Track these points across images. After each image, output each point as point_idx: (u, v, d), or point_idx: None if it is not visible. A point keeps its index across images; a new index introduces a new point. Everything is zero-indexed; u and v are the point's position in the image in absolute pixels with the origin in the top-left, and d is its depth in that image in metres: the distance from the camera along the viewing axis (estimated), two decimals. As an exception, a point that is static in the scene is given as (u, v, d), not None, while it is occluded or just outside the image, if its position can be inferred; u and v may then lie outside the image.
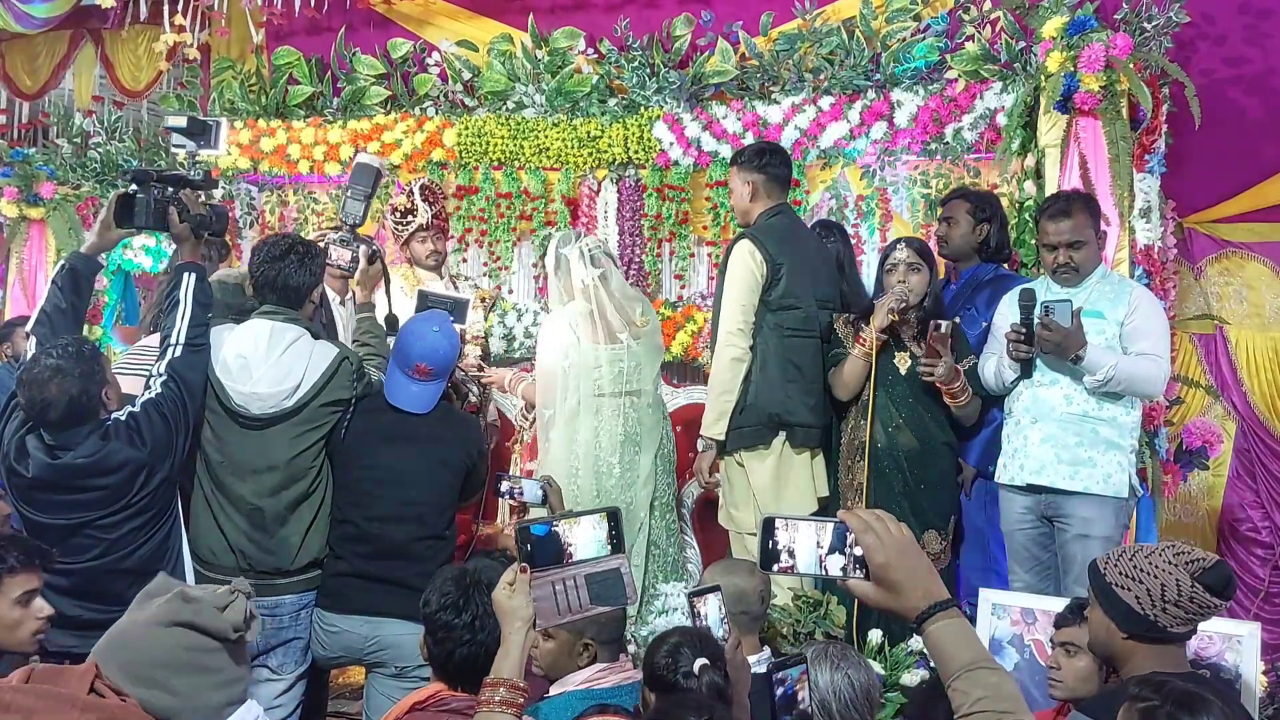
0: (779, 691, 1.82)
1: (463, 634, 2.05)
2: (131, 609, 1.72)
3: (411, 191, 4.42)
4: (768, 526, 1.44)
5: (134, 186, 2.94)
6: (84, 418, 2.62)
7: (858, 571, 1.39)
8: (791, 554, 1.42)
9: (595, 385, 3.73)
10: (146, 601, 1.73)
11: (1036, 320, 3.28)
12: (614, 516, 1.69)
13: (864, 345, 3.47)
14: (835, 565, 1.40)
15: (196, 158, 3.11)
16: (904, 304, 3.44)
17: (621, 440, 3.71)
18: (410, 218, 4.36)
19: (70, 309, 2.92)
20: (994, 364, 3.49)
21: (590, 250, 3.80)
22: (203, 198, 3.07)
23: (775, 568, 1.43)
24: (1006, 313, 3.52)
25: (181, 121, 3.15)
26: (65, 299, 2.91)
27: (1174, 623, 2.10)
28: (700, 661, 2.04)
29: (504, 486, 3.17)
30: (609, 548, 1.67)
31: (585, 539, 1.66)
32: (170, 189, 2.94)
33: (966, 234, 3.93)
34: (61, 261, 3.03)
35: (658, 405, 3.91)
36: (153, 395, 2.78)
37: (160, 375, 2.82)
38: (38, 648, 2.32)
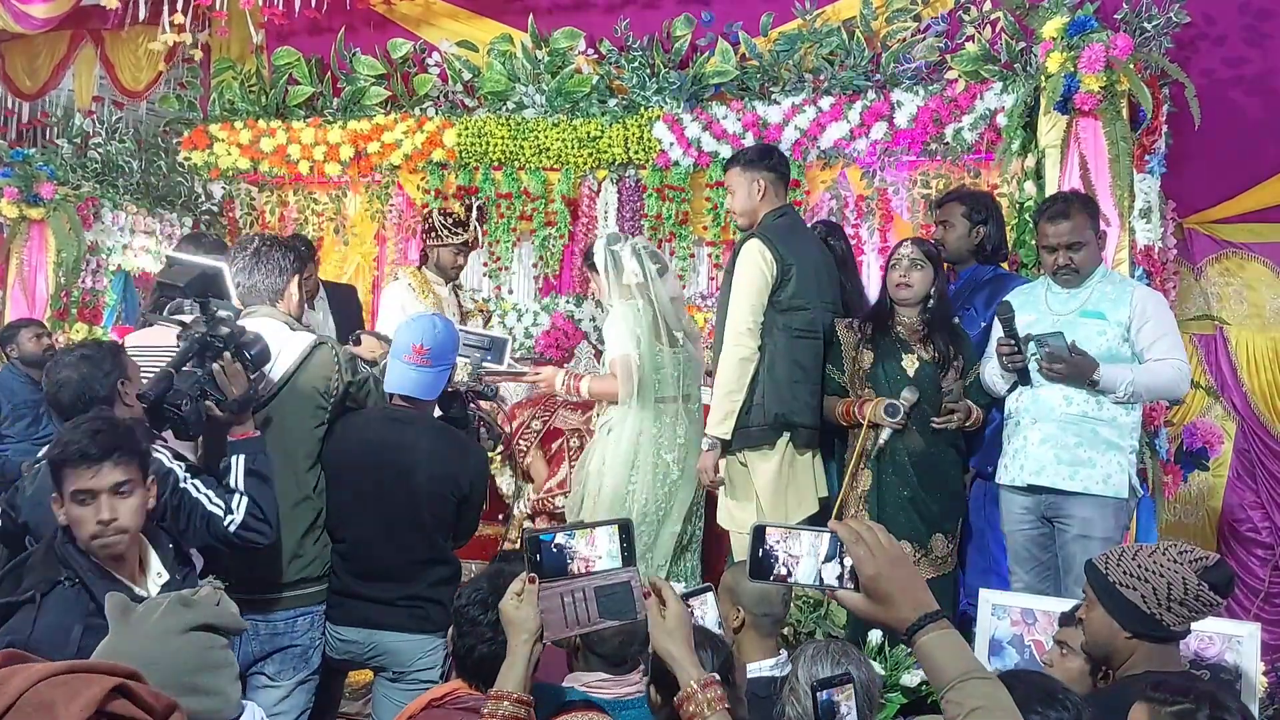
0: (821, 700, 1.82)
1: (485, 631, 2.04)
2: (120, 628, 1.70)
3: (470, 206, 4.68)
4: (758, 535, 1.43)
5: (153, 401, 2.51)
6: (94, 402, 2.53)
7: (849, 583, 1.39)
8: (784, 563, 1.41)
9: (658, 387, 3.81)
10: (130, 617, 1.72)
11: (1042, 352, 3.26)
12: (626, 529, 1.65)
13: (849, 421, 3.50)
14: (827, 576, 1.40)
15: (212, 308, 2.61)
16: (899, 419, 3.38)
17: (681, 443, 3.81)
18: (461, 230, 4.67)
19: None
20: (992, 368, 3.49)
21: (640, 248, 3.88)
22: (239, 355, 2.58)
23: (770, 577, 1.43)
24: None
25: (180, 282, 2.64)
26: None
27: (1176, 621, 2.12)
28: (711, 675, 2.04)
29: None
30: (620, 560, 1.63)
31: (596, 551, 1.63)
32: (199, 372, 2.52)
33: (962, 236, 3.91)
34: None
35: (700, 411, 3.97)
36: (178, 486, 2.52)
37: (189, 484, 2.52)
38: (107, 552, 2.16)
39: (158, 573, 2.30)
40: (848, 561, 1.38)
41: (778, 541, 1.42)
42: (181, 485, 2.52)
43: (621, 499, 3.75)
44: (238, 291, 2.90)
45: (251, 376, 2.61)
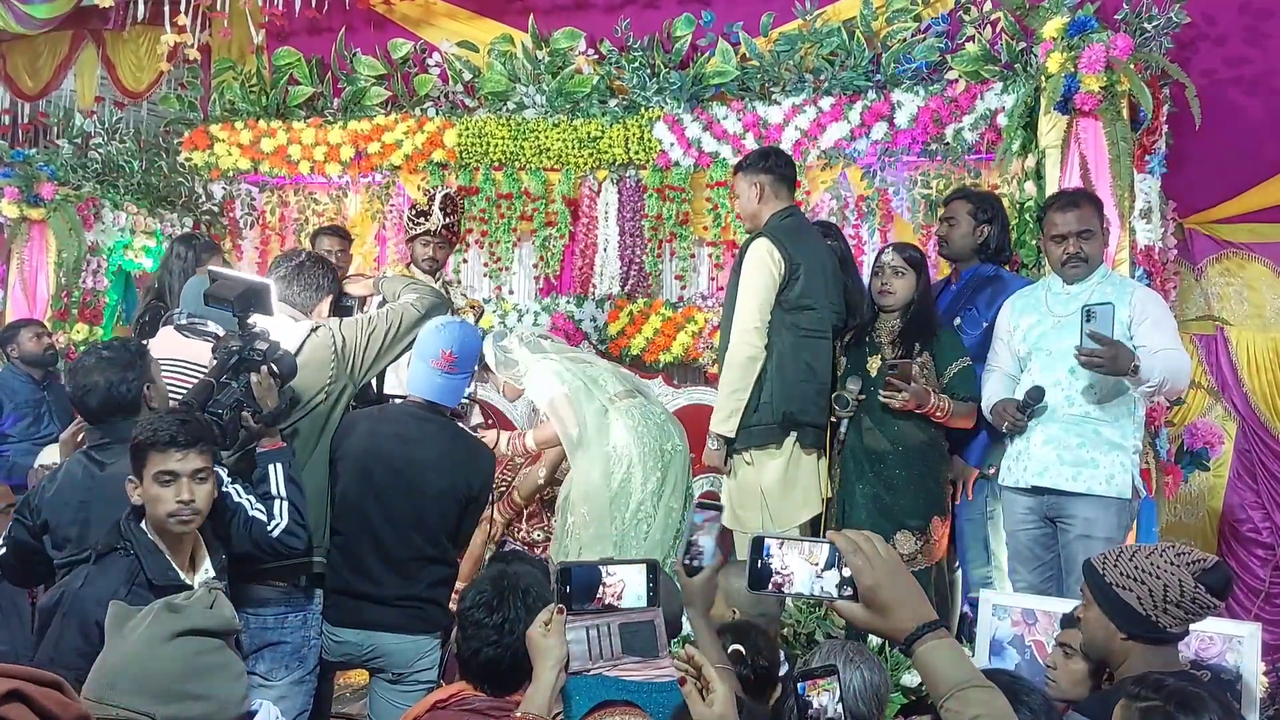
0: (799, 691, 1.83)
1: (490, 634, 2.05)
2: (115, 639, 1.72)
3: (434, 196, 4.49)
4: (757, 546, 1.43)
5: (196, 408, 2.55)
6: (123, 407, 2.58)
7: (847, 590, 1.39)
8: (783, 574, 1.42)
9: (606, 388, 3.83)
10: (124, 627, 1.73)
11: (1085, 331, 3.15)
12: (653, 569, 1.70)
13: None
14: (826, 586, 1.41)
15: (251, 325, 2.66)
16: (849, 409, 3.49)
17: (663, 421, 3.84)
18: (423, 220, 4.45)
19: None
20: (993, 381, 3.50)
21: (526, 337, 4.02)
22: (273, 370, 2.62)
23: (769, 586, 1.43)
24: (1006, 319, 3.53)
25: (228, 296, 2.63)
26: None
27: (1173, 623, 2.11)
28: (734, 646, 2.07)
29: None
30: (646, 599, 1.68)
31: (623, 587, 1.69)
32: (235, 384, 2.54)
33: (966, 234, 3.92)
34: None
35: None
36: (222, 489, 2.54)
37: (231, 489, 2.57)
38: (181, 529, 2.31)
39: (205, 569, 2.38)
40: (845, 571, 1.39)
41: (776, 552, 1.42)
42: (225, 489, 2.56)
43: (609, 512, 3.74)
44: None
45: (281, 390, 2.66)
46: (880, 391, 3.43)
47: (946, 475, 3.61)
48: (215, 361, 2.60)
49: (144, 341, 2.90)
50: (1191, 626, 2.20)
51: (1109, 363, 3.12)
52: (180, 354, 3.11)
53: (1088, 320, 3.14)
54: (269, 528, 2.58)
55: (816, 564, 1.41)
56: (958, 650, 1.38)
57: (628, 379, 4.01)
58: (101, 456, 2.60)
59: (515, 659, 1.93)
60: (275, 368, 2.62)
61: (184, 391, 3.01)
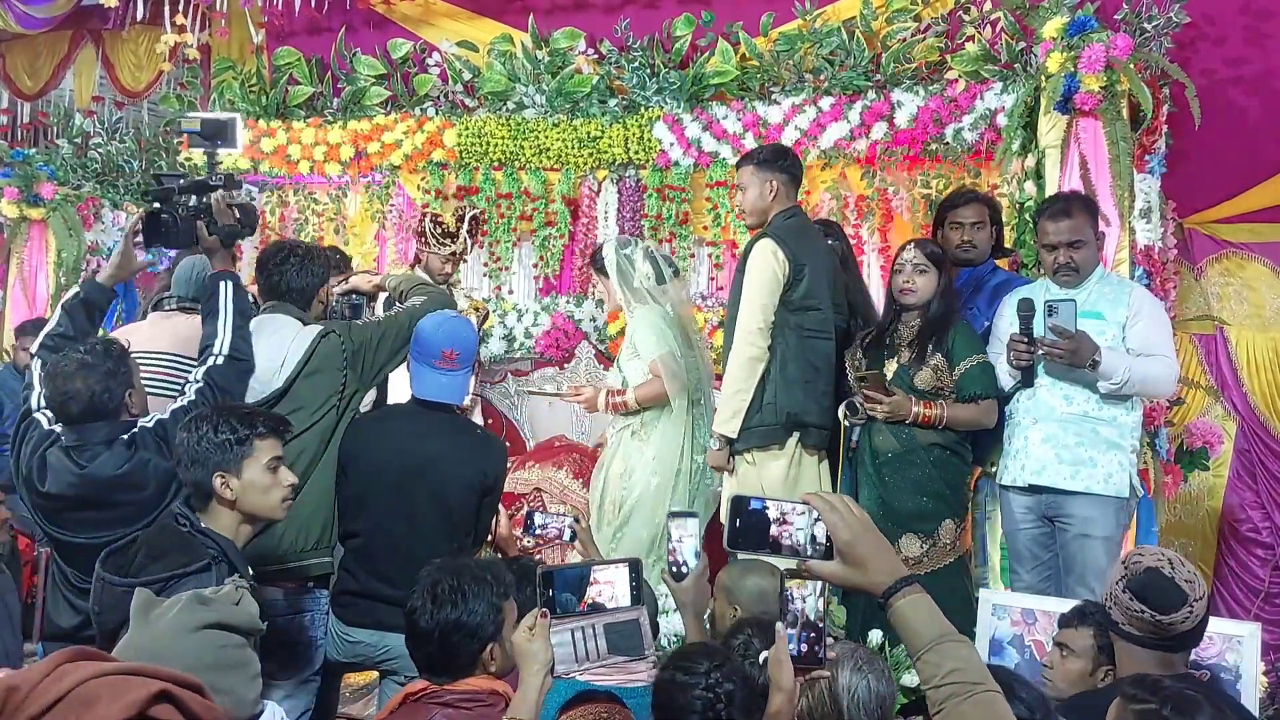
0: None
1: (421, 616, 2.06)
2: (140, 624, 1.72)
3: (463, 218, 4.57)
4: (736, 506, 1.45)
5: (157, 205, 2.86)
6: (104, 415, 2.58)
7: (822, 548, 1.42)
8: (760, 533, 1.44)
9: (687, 388, 3.86)
10: (150, 614, 1.73)
11: (1047, 325, 3.24)
12: (635, 568, 1.71)
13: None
14: (803, 544, 1.43)
15: (216, 159, 3.09)
16: (859, 415, 3.51)
17: (705, 446, 3.85)
18: (450, 242, 4.56)
19: (79, 336, 2.83)
20: (1002, 363, 3.48)
21: (653, 251, 3.98)
22: (231, 198, 2.98)
23: (745, 546, 1.44)
24: (1008, 315, 3.51)
25: (195, 125, 3.09)
26: (75, 327, 2.85)
27: (1124, 621, 2.07)
28: (765, 654, 2.07)
29: (537, 521, 3.09)
30: (629, 599, 1.70)
31: (607, 588, 1.69)
32: (195, 200, 2.88)
33: (990, 238, 3.93)
34: (75, 290, 2.94)
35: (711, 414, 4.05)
36: (184, 402, 2.67)
37: (196, 382, 2.73)
38: (284, 514, 2.42)
39: (247, 565, 2.37)
40: (820, 531, 1.42)
41: (755, 512, 1.45)
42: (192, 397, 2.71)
43: (648, 504, 3.75)
44: (270, 284, 3.04)
45: (238, 218, 2.95)
46: (863, 405, 3.44)
47: (962, 476, 3.56)
48: (182, 185, 2.93)
49: (126, 341, 2.89)
50: (1169, 635, 2.09)
51: (1069, 355, 3.21)
52: (164, 346, 3.12)
53: (1050, 315, 3.23)
54: (214, 361, 2.75)
55: (794, 524, 1.44)
56: (933, 606, 1.42)
57: (702, 386, 3.98)
58: (79, 458, 2.58)
59: (439, 643, 1.98)
60: (235, 201, 2.95)
61: (165, 387, 3.04)
